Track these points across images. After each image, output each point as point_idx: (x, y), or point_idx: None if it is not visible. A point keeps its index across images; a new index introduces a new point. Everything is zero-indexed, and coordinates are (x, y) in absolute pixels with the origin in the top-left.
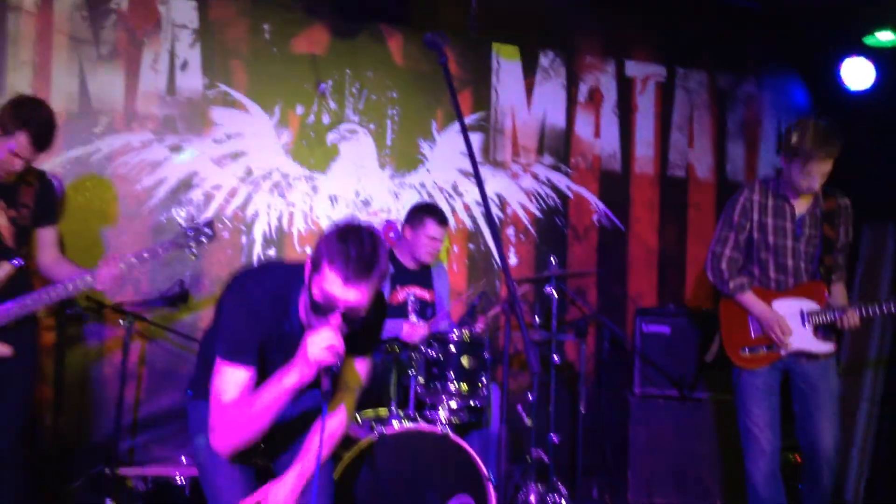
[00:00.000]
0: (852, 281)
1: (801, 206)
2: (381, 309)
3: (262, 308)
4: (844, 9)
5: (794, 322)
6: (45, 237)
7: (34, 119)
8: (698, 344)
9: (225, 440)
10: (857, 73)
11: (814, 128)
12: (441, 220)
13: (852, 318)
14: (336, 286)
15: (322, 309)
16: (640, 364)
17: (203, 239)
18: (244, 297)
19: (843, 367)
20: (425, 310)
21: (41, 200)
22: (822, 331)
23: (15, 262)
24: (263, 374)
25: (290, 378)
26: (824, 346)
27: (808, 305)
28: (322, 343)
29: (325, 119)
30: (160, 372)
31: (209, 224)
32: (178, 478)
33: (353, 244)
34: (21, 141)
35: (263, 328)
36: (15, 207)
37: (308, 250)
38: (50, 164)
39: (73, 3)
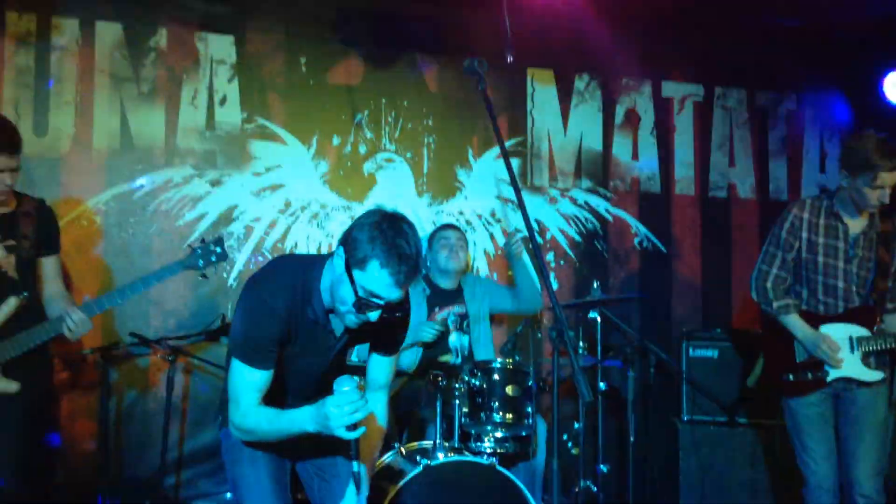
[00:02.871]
0: None
1: (855, 226)
2: (407, 307)
3: (277, 302)
4: (886, 23)
5: (842, 348)
6: (48, 268)
7: None
8: (744, 368)
9: (239, 434)
10: None
11: (876, 140)
12: (447, 224)
13: None
14: (384, 287)
15: (364, 305)
16: (687, 390)
17: (213, 259)
18: (257, 296)
19: None
20: (464, 323)
21: (41, 230)
22: (873, 358)
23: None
24: (285, 359)
25: (308, 426)
26: (874, 374)
27: (858, 331)
28: (343, 420)
29: (362, 149)
30: (204, 406)
31: (218, 242)
32: None
33: (403, 245)
34: None
35: (281, 322)
36: (15, 237)
37: None
38: (94, 201)
39: (113, 42)
